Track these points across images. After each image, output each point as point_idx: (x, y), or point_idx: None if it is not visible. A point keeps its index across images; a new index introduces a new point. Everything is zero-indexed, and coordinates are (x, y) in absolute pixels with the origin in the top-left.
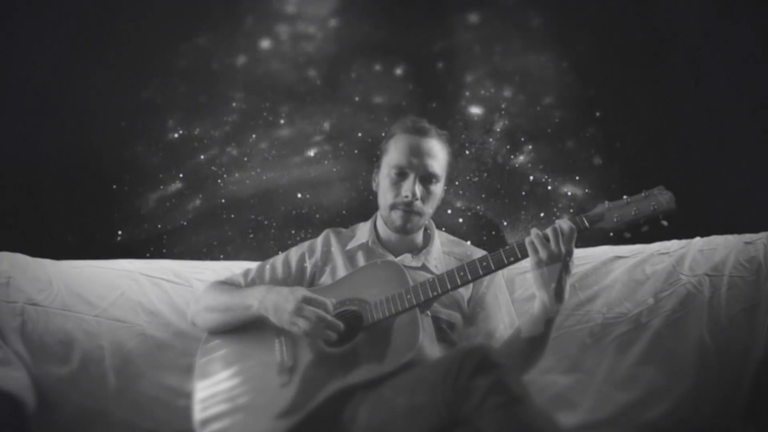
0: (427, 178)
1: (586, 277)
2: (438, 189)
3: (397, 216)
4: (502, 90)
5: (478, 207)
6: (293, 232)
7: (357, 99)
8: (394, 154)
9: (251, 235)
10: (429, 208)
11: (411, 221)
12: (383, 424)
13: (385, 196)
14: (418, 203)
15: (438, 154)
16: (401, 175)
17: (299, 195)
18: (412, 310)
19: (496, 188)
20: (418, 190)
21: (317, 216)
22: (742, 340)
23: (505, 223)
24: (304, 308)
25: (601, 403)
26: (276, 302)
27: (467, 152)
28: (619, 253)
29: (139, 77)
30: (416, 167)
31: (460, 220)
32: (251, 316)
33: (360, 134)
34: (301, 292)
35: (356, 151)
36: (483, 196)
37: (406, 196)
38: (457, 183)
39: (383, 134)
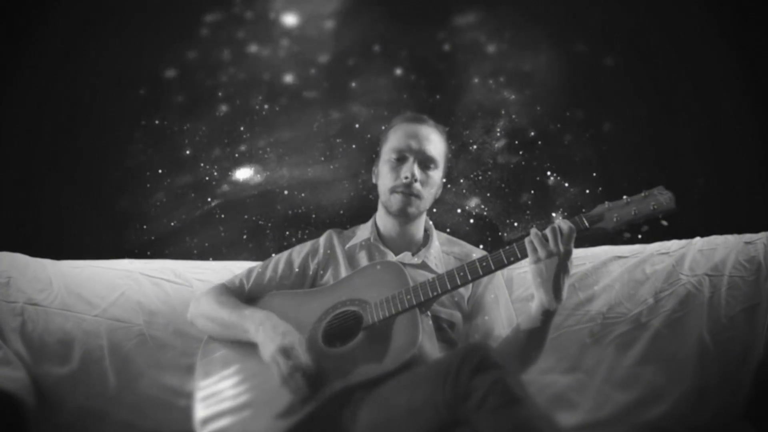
0: (425, 162)
1: (586, 277)
2: (436, 175)
3: (396, 199)
4: (503, 89)
5: (483, 207)
6: (287, 233)
7: (356, 98)
8: (393, 140)
9: (245, 237)
10: (427, 193)
11: (410, 204)
12: (383, 424)
13: (384, 181)
14: (417, 185)
15: (436, 141)
16: (400, 159)
17: (297, 195)
18: (412, 310)
19: (497, 188)
20: (417, 172)
21: (314, 216)
22: (742, 340)
23: (516, 224)
24: (282, 358)
25: (601, 403)
26: (265, 338)
27: (471, 148)
28: (619, 253)
29: (137, 77)
30: (415, 151)
31: (471, 221)
32: (248, 339)
33: (359, 133)
34: (291, 338)
35: (354, 149)
36: (488, 195)
37: (406, 177)
38: (461, 181)
39: (383, 128)
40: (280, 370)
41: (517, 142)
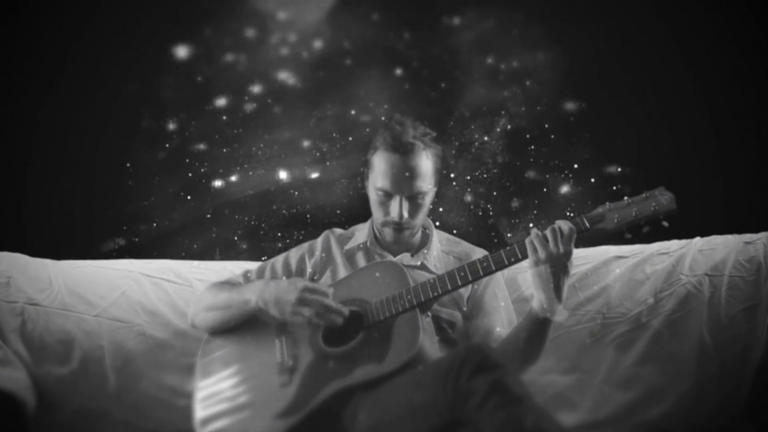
0: (413, 197)
1: (586, 277)
2: (427, 200)
3: (388, 233)
4: (503, 89)
5: (488, 207)
6: (285, 234)
7: (355, 98)
8: (378, 175)
9: (235, 238)
10: (419, 220)
11: (403, 236)
12: (383, 424)
13: (374, 211)
14: (407, 220)
15: (422, 170)
16: (387, 196)
17: (295, 194)
18: (413, 311)
19: (498, 188)
20: (406, 210)
21: (309, 216)
22: (742, 340)
23: (531, 225)
24: (307, 297)
25: (601, 403)
26: (277, 294)
27: (473, 147)
28: (619, 253)
29: (136, 77)
30: (401, 190)
31: (474, 220)
32: (250, 310)
33: (357, 134)
34: (302, 282)
35: (353, 148)
36: (493, 194)
37: (394, 218)
38: (468, 177)
39: (382, 119)
40: (307, 314)
41: (522, 140)
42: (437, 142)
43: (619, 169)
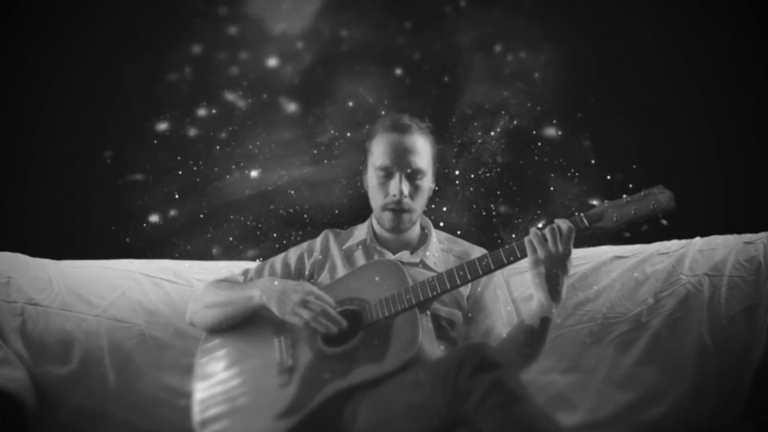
0: (412, 175)
1: (586, 277)
2: (425, 183)
3: (388, 217)
4: (503, 89)
5: (491, 206)
6: (284, 234)
7: (355, 98)
8: (377, 155)
9: (231, 238)
10: (418, 204)
11: (402, 220)
12: (383, 424)
13: (374, 197)
14: (407, 200)
15: (421, 149)
16: (387, 175)
17: (293, 195)
18: (412, 310)
19: (500, 187)
20: (405, 187)
21: (306, 216)
22: (742, 340)
23: (541, 224)
24: (310, 300)
25: (601, 403)
26: (282, 291)
27: (474, 146)
28: (619, 253)
29: (136, 78)
30: (400, 166)
31: (480, 222)
32: (253, 307)
33: (357, 134)
34: (310, 286)
35: (352, 147)
36: (497, 194)
37: (394, 195)
38: (472, 176)
39: (376, 121)
40: (306, 316)
41: (523, 139)
42: (435, 136)
43: (632, 166)
